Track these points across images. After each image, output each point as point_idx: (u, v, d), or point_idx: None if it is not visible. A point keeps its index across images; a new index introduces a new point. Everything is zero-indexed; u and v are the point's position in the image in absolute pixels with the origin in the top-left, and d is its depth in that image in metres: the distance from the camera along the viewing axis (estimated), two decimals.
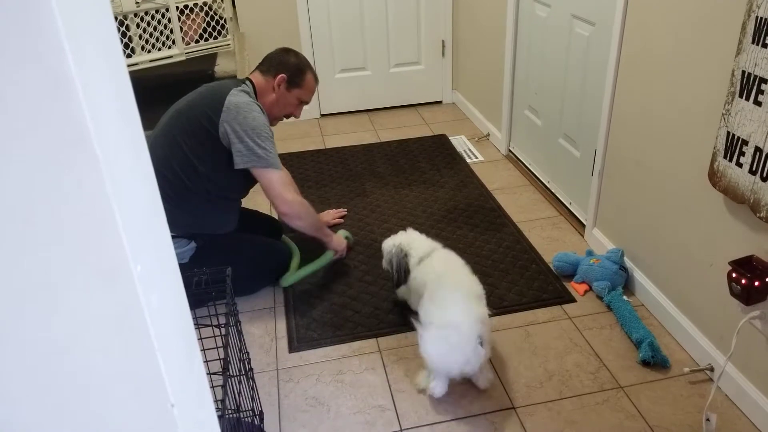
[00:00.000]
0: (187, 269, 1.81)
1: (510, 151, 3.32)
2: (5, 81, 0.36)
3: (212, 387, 1.33)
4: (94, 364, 0.45)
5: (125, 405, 0.48)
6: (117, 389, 0.47)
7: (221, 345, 1.37)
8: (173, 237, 2.07)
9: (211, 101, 2.03)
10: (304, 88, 2.20)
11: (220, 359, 1.32)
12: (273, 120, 2.23)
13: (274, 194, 2.08)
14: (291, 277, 2.29)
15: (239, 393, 1.40)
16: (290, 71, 2.16)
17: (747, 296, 1.52)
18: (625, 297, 2.11)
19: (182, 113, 2.09)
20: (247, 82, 2.15)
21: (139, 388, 0.48)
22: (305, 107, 2.32)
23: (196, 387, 0.57)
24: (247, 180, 2.15)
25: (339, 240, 2.37)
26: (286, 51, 2.22)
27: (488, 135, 3.54)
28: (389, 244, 2.10)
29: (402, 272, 2.02)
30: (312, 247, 2.40)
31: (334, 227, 2.60)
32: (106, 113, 0.41)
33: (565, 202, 2.75)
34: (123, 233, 0.43)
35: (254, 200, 2.58)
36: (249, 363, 1.61)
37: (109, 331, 0.45)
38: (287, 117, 2.28)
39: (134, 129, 0.47)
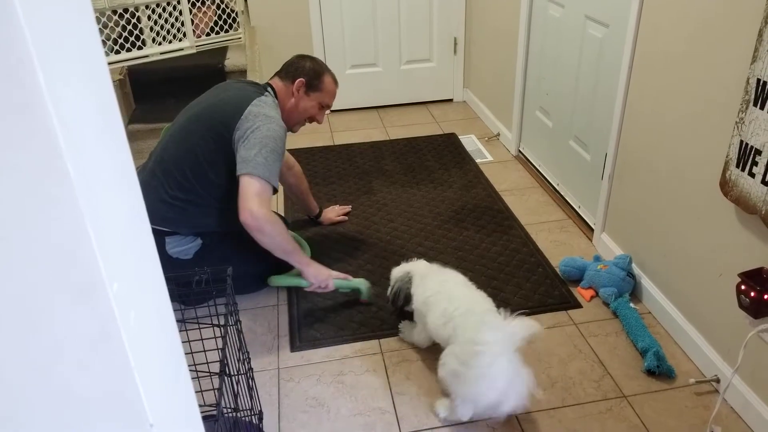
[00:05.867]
0: (190, 266, 1.83)
1: (520, 151, 3.29)
2: None
3: (213, 389, 1.32)
4: (67, 383, 0.44)
5: (101, 425, 0.47)
6: (92, 409, 0.46)
7: (221, 346, 1.36)
8: (179, 235, 2.07)
9: (233, 109, 2.00)
10: (324, 91, 2.20)
11: (219, 360, 1.32)
12: (295, 125, 2.22)
13: (242, 202, 1.93)
14: (279, 280, 2.21)
15: (237, 393, 1.40)
16: (308, 75, 2.16)
17: (756, 309, 1.49)
18: (631, 304, 2.08)
19: (202, 118, 2.04)
20: (269, 88, 2.14)
21: (115, 408, 0.46)
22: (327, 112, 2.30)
23: (181, 405, 0.55)
24: None
25: (317, 271, 2.09)
26: (302, 57, 2.22)
27: (498, 135, 3.51)
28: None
29: (400, 300, 1.95)
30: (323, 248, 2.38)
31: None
32: (81, 128, 0.40)
33: (574, 206, 2.71)
34: (97, 251, 0.41)
35: None
36: (249, 362, 1.61)
37: (84, 350, 0.44)
38: (310, 122, 2.28)
39: (116, 143, 0.46)
